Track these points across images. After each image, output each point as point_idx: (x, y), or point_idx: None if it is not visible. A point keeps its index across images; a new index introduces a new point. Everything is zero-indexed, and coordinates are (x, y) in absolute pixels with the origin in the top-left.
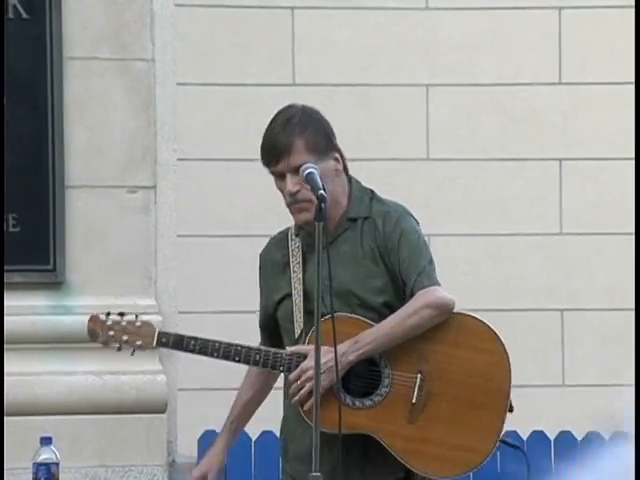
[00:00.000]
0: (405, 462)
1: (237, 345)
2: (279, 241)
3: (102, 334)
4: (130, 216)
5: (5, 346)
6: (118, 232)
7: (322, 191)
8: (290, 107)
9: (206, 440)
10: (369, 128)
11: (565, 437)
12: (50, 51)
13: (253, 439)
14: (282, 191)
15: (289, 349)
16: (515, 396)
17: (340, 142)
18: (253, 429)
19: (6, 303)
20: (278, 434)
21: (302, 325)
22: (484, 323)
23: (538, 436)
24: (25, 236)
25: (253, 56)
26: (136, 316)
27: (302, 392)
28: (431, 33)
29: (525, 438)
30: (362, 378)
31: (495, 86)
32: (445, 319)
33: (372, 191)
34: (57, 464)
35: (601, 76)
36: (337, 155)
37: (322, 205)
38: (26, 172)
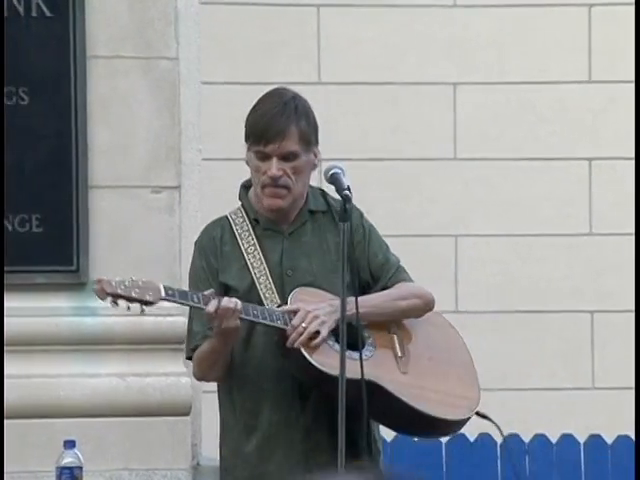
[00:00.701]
0: (413, 405)
1: (249, 304)
2: (221, 226)
3: (111, 290)
4: (154, 216)
5: (28, 348)
6: (142, 232)
7: (347, 191)
8: (283, 90)
9: None
10: (395, 127)
11: (595, 440)
12: (73, 50)
13: None
14: (258, 170)
15: (278, 308)
16: (544, 398)
17: (365, 141)
18: None
19: (29, 304)
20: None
21: (277, 300)
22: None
23: (568, 439)
24: (48, 237)
25: (278, 54)
26: (132, 279)
27: (311, 327)
28: (459, 30)
29: (554, 441)
30: (349, 335)
31: (524, 84)
32: None
33: (320, 188)
34: (81, 468)
35: (631, 74)
36: (317, 150)
37: (346, 206)
38: (49, 172)
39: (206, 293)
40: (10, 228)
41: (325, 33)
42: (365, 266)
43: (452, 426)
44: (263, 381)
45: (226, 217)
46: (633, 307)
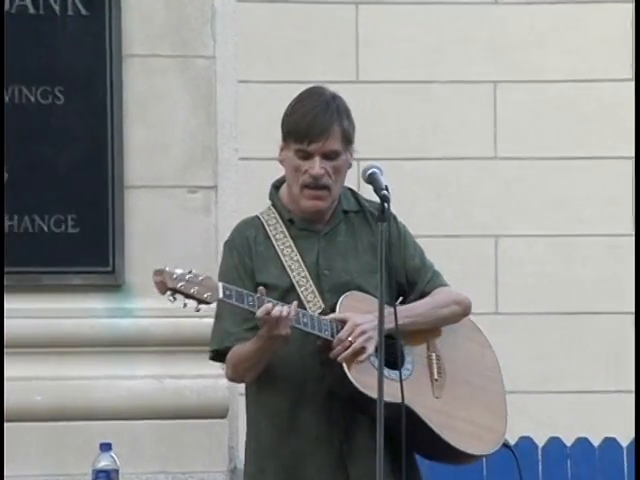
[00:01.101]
0: (441, 434)
1: (288, 305)
2: (254, 226)
3: (171, 285)
4: (190, 217)
5: (63, 350)
6: (178, 233)
7: (385, 191)
8: (321, 89)
9: None
10: (434, 126)
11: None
12: (109, 48)
13: None
14: (297, 170)
15: (326, 316)
16: (586, 401)
17: (404, 141)
18: None
19: (64, 306)
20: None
21: (321, 304)
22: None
23: (610, 443)
24: (84, 237)
25: (316, 53)
26: (191, 272)
27: (357, 344)
28: (499, 28)
29: (596, 445)
30: (390, 352)
31: (565, 82)
32: None
33: (350, 188)
34: (117, 470)
35: None
36: (353, 149)
37: (385, 205)
38: (85, 172)
39: (261, 296)
40: (46, 229)
41: (363, 31)
42: (401, 269)
43: (475, 459)
44: (302, 382)
45: (257, 217)
46: None
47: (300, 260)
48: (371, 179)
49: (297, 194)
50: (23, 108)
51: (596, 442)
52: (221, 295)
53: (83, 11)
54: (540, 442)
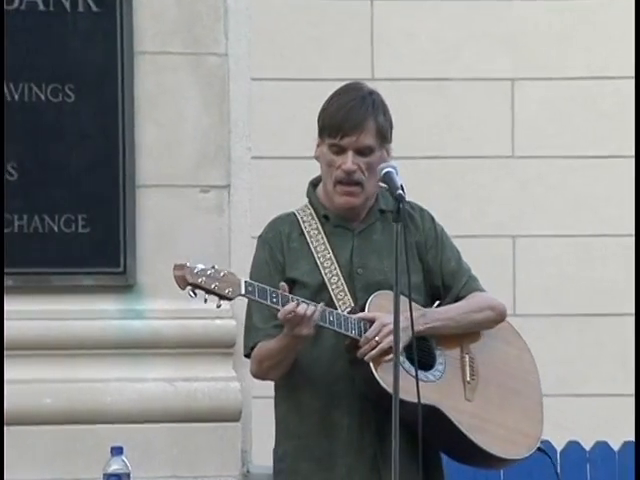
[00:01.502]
0: (472, 437)
1: (313, 304)
2: (289, 222)
3: (192, 280)
4: (203, 216)
5: (73, 352)
6: (190, 233)
7: (400, 191)
8: (359, 84)
9: None
10: (451, 124)
11: None
12: (120, 45)
13: None
14: (331, 165)
15: (354, 315)
16: (605, 404)
17: (420, 139)
18: None
19: (75, 307)
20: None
21: (351, 302)
22: (506, 320)
23: (630, 447)
24: (94, 237)
25: (330, 50)
26: (213, 267)
27: (382, 344)
28: (517, 23)
29: (616, 449)
30: (420, 352)
31: (585, 79)
32: None
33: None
34: (128, 474)
35: None
36: (389, 147)
37: (400, 205)
38: (95, 171)
39: (284, 292)
40: (55, 229)
41: (378, 27)
42: (437, 272)
43: (507, 463)
44: (333, 382)
45: (293, 213)
46: None
47: (333, 258)
48: (386, 178)
49: (331, 190)
50: (33, 106)
51: (616, 446)
52: (243, 291)
53: (94, 8)
54: (559, 446)
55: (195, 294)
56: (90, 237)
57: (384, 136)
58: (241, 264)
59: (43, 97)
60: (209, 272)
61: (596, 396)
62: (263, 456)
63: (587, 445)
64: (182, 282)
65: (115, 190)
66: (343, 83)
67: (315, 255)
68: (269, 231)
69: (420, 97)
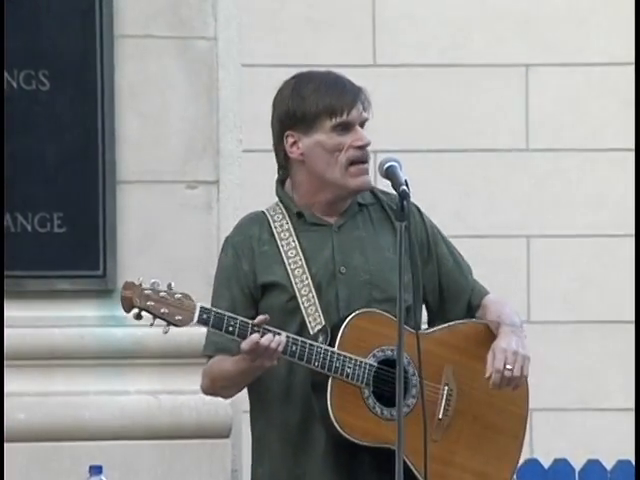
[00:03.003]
0: None
1: (279, 332)
2: (259, 222)
3: (140, 303)
4: (189, 215)
5: (49, 362)
6: (176, 233)
7: (404, 187)
8: (315, 70)
9: None
10: (460, 114)
11: None
12: (100, 28)
13: None
14: (338, 149)
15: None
16: (628, 420)
17: (426, 130)
18: None
19: (51, 314)
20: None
21: (322, 320)
22: None
23: None
24: (72, 238)
25: (328, 33)
26: (169, 287)
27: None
28: (532, 5)
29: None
30: (391, 384)
31: (606, 66)
32: (472, 328)
33: None
34: None
35: None
36: None
37: (404, 203)
38: (73, 165)
39: (255, 321)
40: (29, 228)
41: (381, 8)
42: (433, 272)
43: None
44: (309, 394)
45: (263, 212)
46: None
47: (304, 265)
48: (389, 173)
49: (339, 178)
50: (4, 94)
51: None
52: (195, 319)
53: None
54: (577, 465)
55: (141, 316)
56: (67, 237)
57: (369, 108)
58: None
59: (15, 84)
60: (161, 294)
61: (619, 411)
62: None
63: (608, 464)
64: (127, 304)
65: (94, 186)
66: (343, 69)
67: (286, 262)
68: (236, 234)
69: (425, 85)
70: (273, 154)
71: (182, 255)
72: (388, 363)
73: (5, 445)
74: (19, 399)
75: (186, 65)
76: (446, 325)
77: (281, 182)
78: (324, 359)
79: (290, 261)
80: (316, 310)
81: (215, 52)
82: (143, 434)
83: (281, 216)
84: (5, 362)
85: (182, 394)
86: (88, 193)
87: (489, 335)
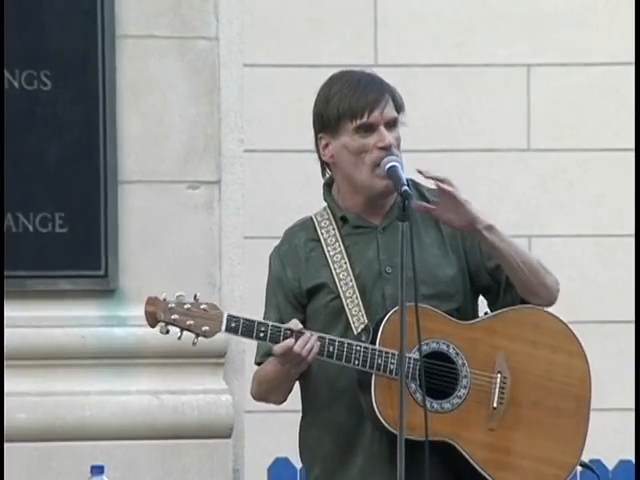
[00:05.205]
0: (487, 474)
1: (313, 335)
2: (305, 228)
3: (164, 317)
4: (191, 215)
5: (50, 362)
6: (177, 233)
7: (407, 187)
8: (345, 70)
9: (277, 469)
10: (461, 114)
11: None
12: (101, 28)
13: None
14: (362, 151)
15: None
16: (630, 420)
17: (427, 130)
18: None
19: (52, 314)
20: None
21: (365, 320)
22: (561, 321)
23: None
24: (73, 238)
25: (330, 33)
26: (195, 298)
27: None
28: (533, 5)
29: None
30: (438, 376)
31: (607, 66)
32: (522, 314)
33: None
34: None
35: None
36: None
37: (406, 203)
38: (74, 165)
39: (288, 325)
40: (31, 228)
41: (383, 8)
42: (477, 263)
43: None
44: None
45: (310, 218)
46: None
47: (349, 269)
48: (390, 173)
49: (366, 179)
50: (5, 94)
51: None
52: (224, 328)
53: None
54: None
55: (168, 331)
56: (68, 237)
57: (401, 106)
58: (232, 266)
59: (17, 84)
60: (186, 306)
61: (620, 410)
62: (256, 476)
63: (610, 464)
64: (152, 320)
65: (95, 186)
66: (345, 69)
67: (331, 265)
68: (283, 243)
69: (427, 85)
70: (274, 154)
71: (184, 255)
72: (434, 356)
73: (6, 445)
74: (20, 399)
75: (187, 65)
76: (494, 313)
77: (328, 185)
78: (365, 357)
79: (335, 265)
80: (359, 310)
81: (217, 52)
82: (144, 434)
83: (327, 222)
84: (6, 362)
85: (183, 394)
86: (90, 193)
87: (542, 320)
